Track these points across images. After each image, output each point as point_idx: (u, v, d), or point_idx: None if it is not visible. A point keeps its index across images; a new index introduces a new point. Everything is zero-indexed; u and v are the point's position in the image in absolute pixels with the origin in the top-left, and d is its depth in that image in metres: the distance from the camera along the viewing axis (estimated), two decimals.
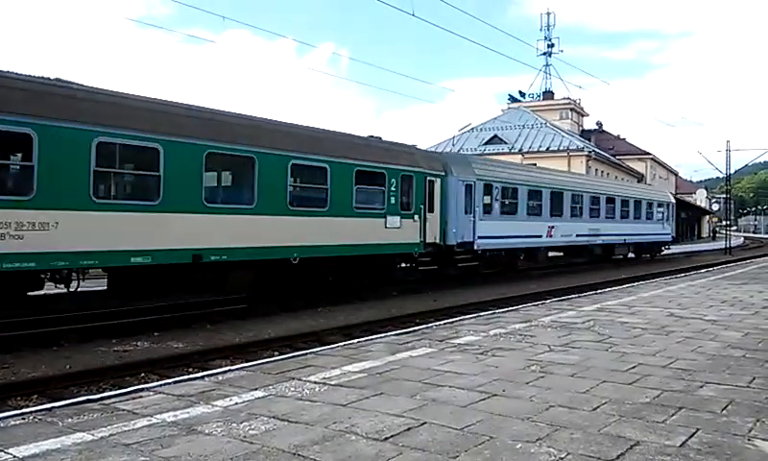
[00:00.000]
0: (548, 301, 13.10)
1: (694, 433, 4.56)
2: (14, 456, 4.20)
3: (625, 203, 31.59)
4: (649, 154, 74.61)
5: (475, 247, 20.53)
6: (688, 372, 6.49)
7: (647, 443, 4.35)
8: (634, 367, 6.71)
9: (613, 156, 65.89)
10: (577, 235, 26.96)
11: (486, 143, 56.88)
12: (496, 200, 21.85)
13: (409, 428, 4.66)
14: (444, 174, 19.38)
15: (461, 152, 48.86)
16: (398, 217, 17.14)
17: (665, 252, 38.58)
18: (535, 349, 7.72)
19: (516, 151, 53.66)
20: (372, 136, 18.22)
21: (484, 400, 5.45)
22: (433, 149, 55.66)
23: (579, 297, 13.84)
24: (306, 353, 7.75)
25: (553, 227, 24.92)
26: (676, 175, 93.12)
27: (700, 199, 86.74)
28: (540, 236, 24.35)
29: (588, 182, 30.85)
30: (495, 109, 71.75)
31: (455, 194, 19.69)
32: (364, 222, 16.16)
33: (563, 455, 4.11)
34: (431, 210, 18.52)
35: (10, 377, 8.15)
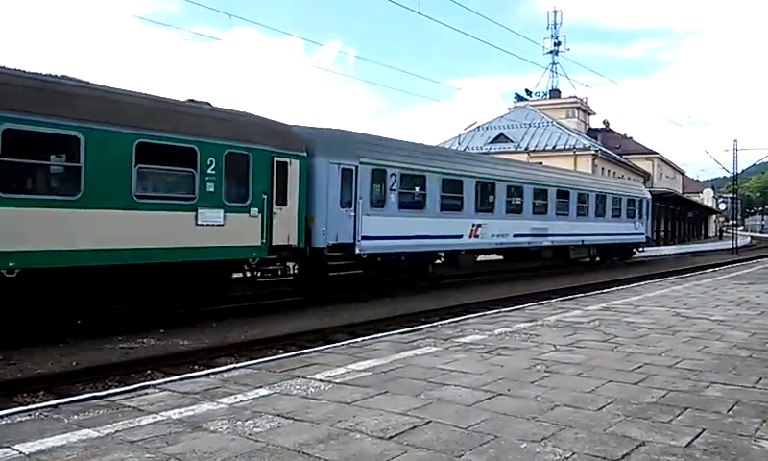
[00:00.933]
0: (554, 300, 13.08)
1: (700, 433, 4.54)
2: (21, 452, 4.22)
3: (583, 197, 26.96)
4: (656, 153, 74.36)
5: (357, 250, 16.00)
6: (695, 372, 6.46)
7: (653, 443, 4.34)
8: (639, 367, 6.68)
9: (620, 155, 65.73)
10: (515, 236, 22.23)
11: (492, 141, 56.82)
12: (392, 190, 17.23)
13: (414, 427, 4.66)
14: (305, 154, 14.62)
15: (466, 150, 48.82)
16: (221, 211, 12.56)
17: (640, 254, 34.48)
18: (540, 348, 7.70)
19: (523, 149, 53.56)
20: (193, 101, 13.52)
21: (489, 399, 5.44)
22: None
23: (585, 296, 13.81)
24: (311, 352, 7.76)
25: (480, 225, 20.28)
26: (683, 174, 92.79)
27: (707, 198, 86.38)
28: (461, 237, 19.66)
29: (531, 172, 25.40)
30: (502, 108, 71.45)
31: (325, 181, 15.21)
32: (156, 217, 11.49)
33: (568, 455, 4.10)
34: (282, 202, 13.95)
35: (16, 374, 8.19)
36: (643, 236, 32.69)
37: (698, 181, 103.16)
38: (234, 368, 6.90)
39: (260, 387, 5.91)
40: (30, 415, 5.18)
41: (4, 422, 4.97)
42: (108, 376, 8.08)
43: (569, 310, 11.12)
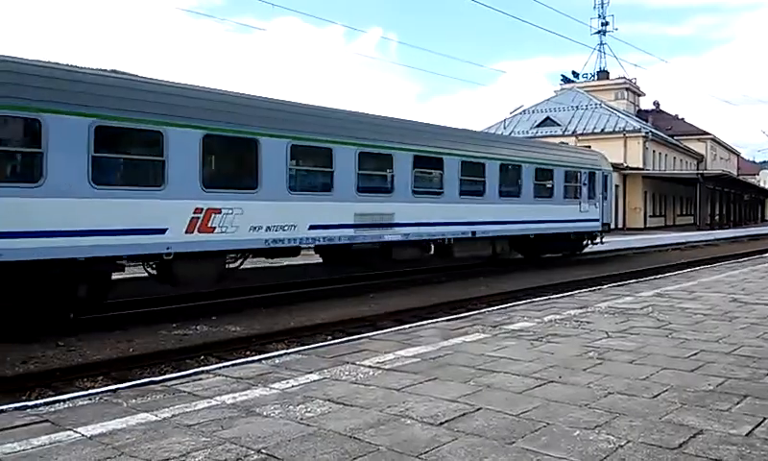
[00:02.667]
0: (605, 286, 12.82)
1: (761, 422, 4.40)
2: (83, 435, 4.38)
3: (473, 169, 17.78)
4: (709, 134, 72.07)
5: None
6: (753, 359, 6.26)
7: (711, 431, 4.23)
8: (695, 354, 6.51)
9: (671, 136, 63.89)
10: (313, 227, 13.55)
11: (538, 125, 55.97)
12: None
13: (464, 414, 4.65)
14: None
15: (512, 135, 48.20)
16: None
17: (595, 247, 24.89)
18: (592, 335, 7.58)
19: (570, 133, 52.59)
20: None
21: (540, 386, 5.39)
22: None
23: (637, 282, 13.50)
24: (360, 338, 7.81)
25: (217, 211, 11.76)
26: (738, 155, 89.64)
27: (764, 180, 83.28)
28: (163, 231, 11.09)
29: (351, 126, 14.86)
30: (548, 91, 70.31)
31: None
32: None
33: (622, 443, 4.03)
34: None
35: (77, 359, 8.50)
36: (598, 223, 23.58)
37: (754, 162, 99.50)
38: (285, 354, 7.00)
39: (311, 372, 5.99)
40: (90, 399, 5.37)
41: (66, 405, 5.17)
42: (163, 362, 8.31)
43: (621, 297, 10.89)
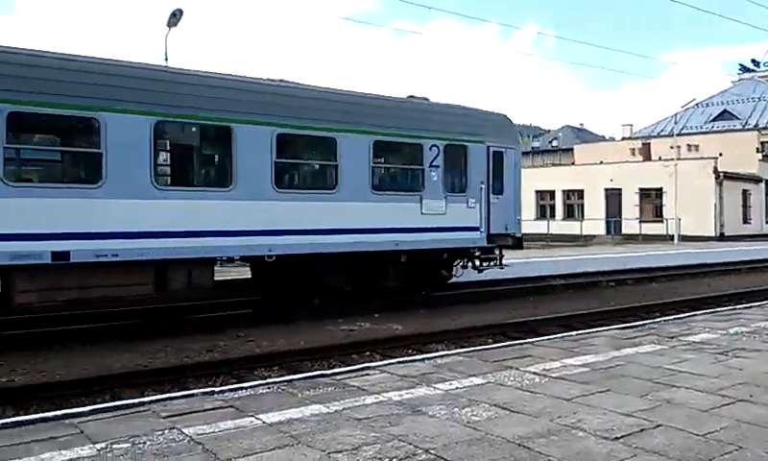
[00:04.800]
0: None
1: None
2: (264, 422, 4.69)
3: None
4: None
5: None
6: None
7: None
8: None
9: None
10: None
11: (714, 119, 51.37)
12: None
13: (642, 429, 4.36)
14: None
15: (683, 130, 44.69)
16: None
17: (486, 273, 14.74)
18: None
19: (752, 127, 47.71)
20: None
21: (727, 405, 4.92)
22: (652, 128, 51.99)
23: None
24: (523, 343, 7.65)
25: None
26: None
27: None
28: None
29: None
30: (724, 82, 64.22)
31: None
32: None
33: None
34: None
35: (255, 350, 9.14)
36: (479, 232, 13.80)
37: None
38: (447, 354, 7.03)
39: (474, 375, 5.95)
40: (269, 388, 5.75)
41: (248, 393, 5.57)
42: (331, 356, 8.69)
43: None
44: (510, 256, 15.15)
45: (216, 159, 11.95)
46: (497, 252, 14.39)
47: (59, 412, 5.16)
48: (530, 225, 34.96)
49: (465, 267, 14.38)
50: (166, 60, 20.21)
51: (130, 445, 4.19)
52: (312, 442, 4.23)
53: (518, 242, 14.79)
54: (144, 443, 4.22)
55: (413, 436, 4.31)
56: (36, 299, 9.22)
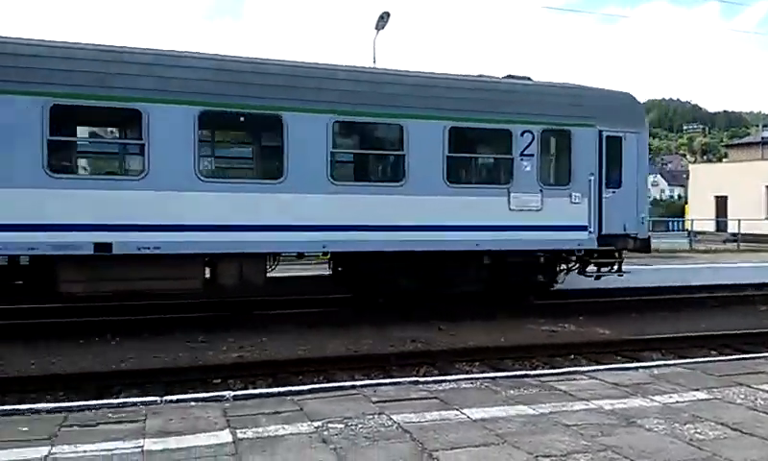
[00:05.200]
0: None
1: None
2: (468, 417, 4.70)
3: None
4: None
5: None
6: None
7: None
8: None
9: None
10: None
11: None
12: None
13: None
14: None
15: None
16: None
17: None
18: None
19: None
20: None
21: None
22: None
23: None
24: (756, 357, 6.83)
25: None
26: None
27: None
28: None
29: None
30: None
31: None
32: None
33: None
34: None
35: (457, 344, 9.21)
36: (586, 232, 11.69)
37: None
38: (664, 364, 6.53)
39: (697, 390, 5.44)
40: (472, 383, 5.76)
41: (451, 386, 5.64)
42: (533, 356, 8.46)
43: None
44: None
45: (266, 152, 11.32)
46: (617, 255, 12.03)
47: (282, 388, 5.64)
48: (757, 225, 31.22)
49: (582, 272, 12.13)
50: (374, 61, 21.15)
51: (343, 426, 4.44)
52: (518, 443, 4.14)
53: (644, 244, 12.33)
54: (356, 425, 4.45)
55: (628, 449, 4.04)
56: (80, 288, 9.32)
